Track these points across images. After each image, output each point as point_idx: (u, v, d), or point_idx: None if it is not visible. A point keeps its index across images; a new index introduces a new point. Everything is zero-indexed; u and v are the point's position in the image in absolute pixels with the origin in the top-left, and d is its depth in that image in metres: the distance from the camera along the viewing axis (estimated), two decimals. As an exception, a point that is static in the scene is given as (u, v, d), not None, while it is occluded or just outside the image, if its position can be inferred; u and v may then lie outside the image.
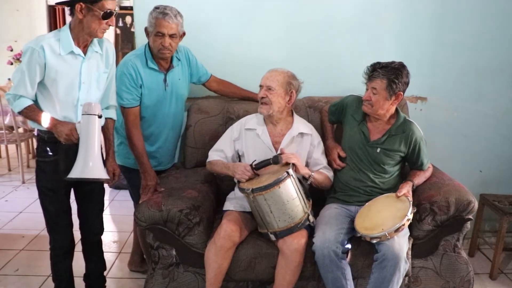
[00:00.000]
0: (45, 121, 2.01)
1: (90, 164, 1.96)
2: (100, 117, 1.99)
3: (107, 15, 1.98)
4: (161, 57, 2.37)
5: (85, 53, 2.07)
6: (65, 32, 2.03)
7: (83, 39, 2.05)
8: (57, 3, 2.07)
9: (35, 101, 2.04)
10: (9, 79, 5.26)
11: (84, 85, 2.09)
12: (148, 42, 2.39)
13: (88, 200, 2.30)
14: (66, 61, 2.03)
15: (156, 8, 2.30)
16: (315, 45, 2.85)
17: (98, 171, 1.99)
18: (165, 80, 2.44)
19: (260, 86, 2.35)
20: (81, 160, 1.97)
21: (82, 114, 1.98)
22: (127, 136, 2.39)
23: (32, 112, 2.02)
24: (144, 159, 2.37)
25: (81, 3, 1.95)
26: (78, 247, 2.40)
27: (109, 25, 2.03)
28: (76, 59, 2.05)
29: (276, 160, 2.17)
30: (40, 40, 1.98)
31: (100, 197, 2.34)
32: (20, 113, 2.03)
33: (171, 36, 2.30)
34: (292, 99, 2.35)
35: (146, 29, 2.36)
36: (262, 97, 2.31)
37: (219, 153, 2.42)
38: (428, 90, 2.98)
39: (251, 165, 2.20)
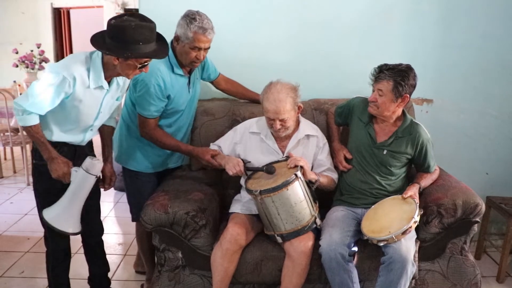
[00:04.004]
0: (46, 150, 1.99)
1: (66, 217, 2.03)
2: (97, 177, 2.03)
3: (143, 65, 1.97)
4: (191, 67, 2.36)
5: (109, 84, 2.07)
6: (97, 65, 1.98)
7: (113, 75, 2.04)
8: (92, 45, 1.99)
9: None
10: (14, 81, 5.27)
11: (101, 114, 2.11)
12: (173, 47, 2.31)
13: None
14: (93, 93, 2.02)
15: (193, 19, 2.18)
16: (321, 47, 2.85)
17: (69, 226, 2.05)
18: (189, 83, 2.42)
19: (269, 118, 2.25)
20: (60, 208, 2.02)
21: (83, 168, 1.99)
22: (150, 139, 2.36)
23: (37, 132, 1.97)
24: (183, 147, 2.39)
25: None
26: (81, 250, 2.42)
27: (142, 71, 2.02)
28: (101, 91, 2.05)
29: (269, 170, 2.16)
30: (73, 69, 1.92)
31: (95, 199, 2.34)
32: (23, 127, 1.98)
33: (206, 48, 2.28)
34: (300, 109, 2.33)
35: (178, 37, 2.26)
36: (279, 129, 2.26)
37: (217, 147, 2.44)
38: (434, 92, 2.97)
39: (244, 163, 2.20)
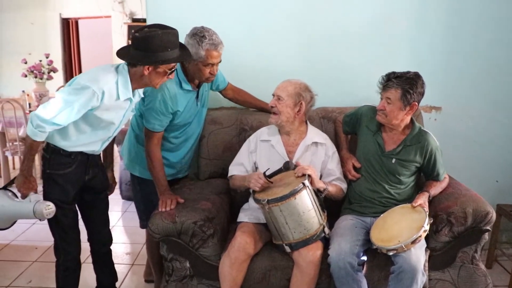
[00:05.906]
0: (29, 166, 2.00)
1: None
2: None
3: (171, 71, 2.02)
4: (206, 82, 2.37)
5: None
6: (125, 77, 2.00)
7: (138, 86, 2.07)
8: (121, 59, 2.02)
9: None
10: (23, 91, 5.30)
11: (121, 125, 2.13)
12: (181, 64, 2.30)
13: (92, 210, 2.31)
14: (120, 105, 2.03)
15: (202, 37, 2.19)
16: (328, 55, 2.85)
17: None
18: (197, 97, 2.43)
19: (272, 95, 2.37)
20: None
21: (33, 206, 1.97)
22: (146, 154, 2.35)
23: (35, 149, 1.97)
24: (161, 180, 2.32)
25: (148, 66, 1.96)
26: (89, 259, 2.42)
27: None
28: (127, 103, 2.07)
29: (287, 166, 2.17)
30: (103, 83, 1.92)
31: (103, 207, 2.36)
32: (28, 137, 1.95)
33: (218, 62, 2.29)
34: (301, 110, 2.33)
35: None
36: (272, 106, 2.34)
37: (239, 167, 2.42)
38: (442, 99, 2.95)
39: (264, 173, 2.19)
